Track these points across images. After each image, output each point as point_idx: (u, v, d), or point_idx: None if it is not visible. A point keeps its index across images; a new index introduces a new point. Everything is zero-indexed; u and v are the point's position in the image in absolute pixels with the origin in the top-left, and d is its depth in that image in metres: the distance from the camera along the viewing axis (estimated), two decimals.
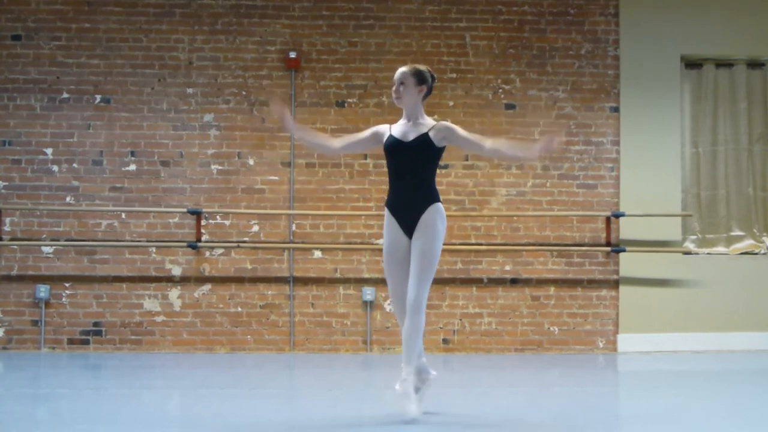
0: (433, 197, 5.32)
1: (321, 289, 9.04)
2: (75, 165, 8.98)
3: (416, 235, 5.27)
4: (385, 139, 5.40)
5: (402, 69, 5.41)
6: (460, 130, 5.40)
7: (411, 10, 9.24)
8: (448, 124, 5.46)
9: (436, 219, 5.29)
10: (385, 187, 9.04)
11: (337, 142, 5.60)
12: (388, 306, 9.01)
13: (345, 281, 9.05)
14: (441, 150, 5.38)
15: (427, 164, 5.35)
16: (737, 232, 9.53)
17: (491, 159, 9.14)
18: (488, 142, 5.47)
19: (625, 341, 9.14)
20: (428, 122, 5.43)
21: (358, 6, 9.22)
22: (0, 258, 8.90)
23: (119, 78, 9.06)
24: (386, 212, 5.38)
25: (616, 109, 9.30)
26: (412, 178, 5.31)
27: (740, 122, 9.55)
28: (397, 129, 5.41)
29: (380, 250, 8.94)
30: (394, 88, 5.38)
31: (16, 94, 8.99)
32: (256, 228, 9.04)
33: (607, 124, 9.31)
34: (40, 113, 8.99)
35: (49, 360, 8.33)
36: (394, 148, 5.34)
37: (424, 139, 5.32)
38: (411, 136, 5.34)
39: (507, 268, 9.14)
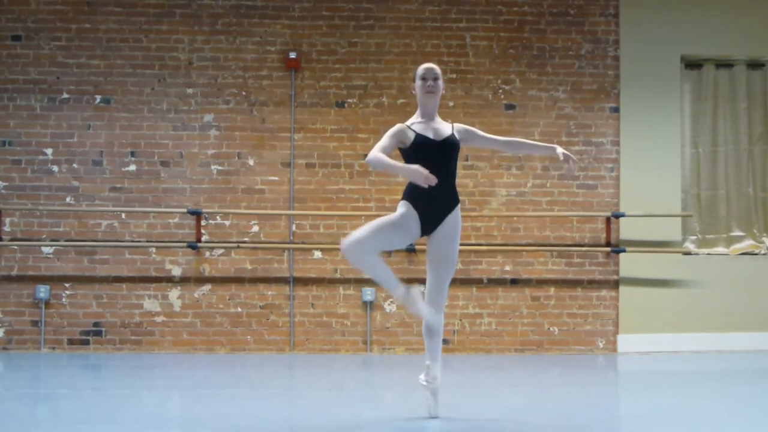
0: (457, 198, 5.34)
1: (321, 290, 9.04)
2: (75, 165, 8.98)
3: (440, 235, 5.26)
4: (410, 138, 5.28)
5: (433, 65, 5.42)
6: (478, 130, 5.53)
7: (411, 11, 9.24)
8: (465, 125, 5.52)
9: (459, 220, 5.34)
10: (386, 187, 9.11)
11: (376, 157, 5.29)
12: (388, 306, 9.01)
13: (345, 281, 9.05)
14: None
15: (455, 163, 5.36)
16: (737, 233, 9.53)
17: (491, 159, 9.16)
18: (503, 138, 5.66)
19: (625, 341, 9.14)
20: (444, 122, 5.44)
21: (358, 6, 9.22)
22: (0, 258, 8.90)
23: (119, 78, 9.06)
24: (405, 204, 5.24)
25: (616, 110, 9.30)
26: (444, 177, 5.23)
27: (740, 122, 9.56)
28: (419, 127, 5.33)
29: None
30: (428, 83, 5.34)
31: (16, 94, 8.99)
32: (256, 228, 9.04)
33: (607, 125, 9.31)
34: (40, 113, 8.99)
35: (49, 360, 8.33)
36: (425, 146, 5.24)
37: (452, 139, 5.33)
38: (438, 135, 5.31)
39: (507, 268, 9.14)
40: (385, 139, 5.27)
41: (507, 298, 9.13)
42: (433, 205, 5.25)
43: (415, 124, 5.37)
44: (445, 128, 5.38)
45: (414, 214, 5.23)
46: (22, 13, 9.03)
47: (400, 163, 5.16)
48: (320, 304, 9.02)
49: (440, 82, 5.41)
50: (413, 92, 5.47)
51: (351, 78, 9.18)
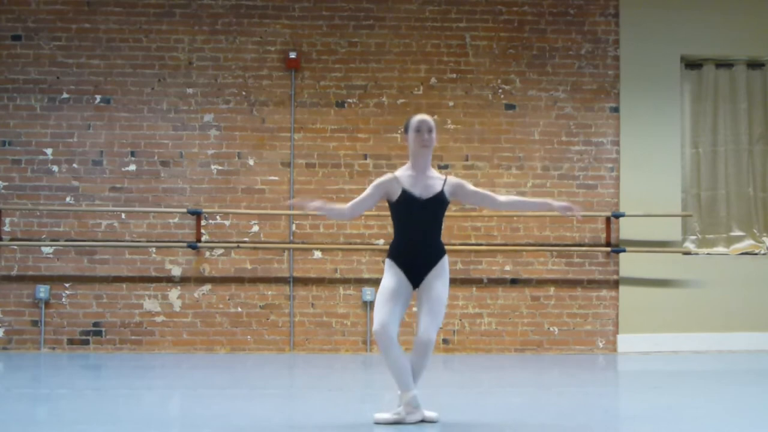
0: (442, 250, 5.28)
1: (321, 290, 9.04)
2: (75, 165, 8.98)
3: (430, 280, 5.22)
4: (396, 193, 5.23)
5: (427, 117, 5.31)
6: (469, 186, 5.37)
7: (411, 11, 9.24)
8: (458, 180, 5.37)
9: (446, 269, 5.28)
10: None
11: (348, 207, 5.38)
12: None
13: (345, 281, 9.05)
14: (448, 205, 5.36)
15: (440, 220, 5.29)
16: (737, 232, 9.53)
17: (491, 159, 9.18)
18: (501, 197, 5.44)
19: (625, 341, 9.14)
20: (437, 175, 5.33)
21: (358, 6, 9.22)
22: (0, 258, 8.90)
23: (119, 78, 9.06)
24: (389, 263, 5.25)
25: (616, 109, 9.30)
26: (426, 233, 5.23)
27: (740, 122, 9.56)
28: (407, 181, 5.26)
29: (380, 250, 9.00)
30: (423, 136, 5.23)
31: (16, 94, 8.99)
32: (256, 228, 9.04)
33: (607, 124, 9.31)
34: (40, 113, 8.99)
35: (49, 360, 8.33)
36: (410, 204, 5.21)
37: (439, 198, 5.25)
38: (425, 193, 5.24)
39: (507, 268, 9.14)
40: (368, 190, 5.29)
41: (507, 298, 9.13)
42: (415, 261, 5.23)
43: (404, 176, 5.28)
44: (436, 184, 5.27)
45: (399, 270, 5.22)
46: (22, 13, 9.03)
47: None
48: (320, 304, 9.02)
49: (434, 135, 5.29)
50: (405, 142, 5.37)
51: (351, 78, 9.18)
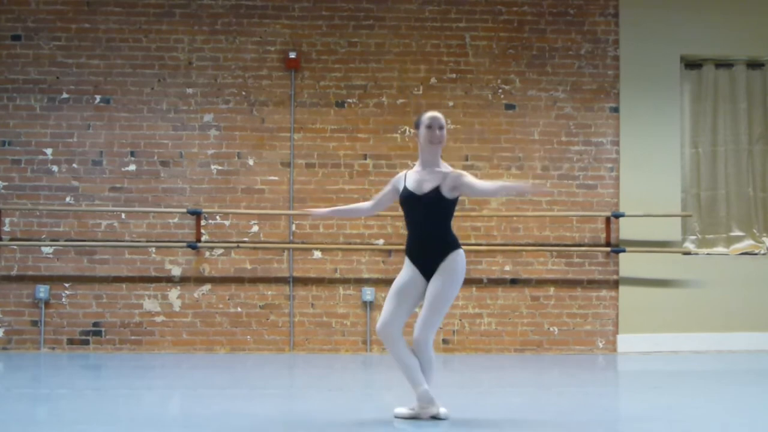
0: (448, 247, 5.29)
1: (321, 290, 9.04)
2: (75, 165, 8.98)
3: (435, 277, 5.28)
4: (400, 189, 5.41)
5: (439, 114, 5.40)
6: (466, 178, 5.32)
7: (411, 11, 9.24)
8: (459, 172, 5.35)
9: (457, 266, 5.28)
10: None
11: (368, 204, 5.74)
12: None
13: (345, 281, 9.05)
14: (454, 201, 5.34)
15: (442, 215, 5.32)
16: (737, 233, 9.53)
17: (491, 159, 9.19)
18: (483, 186, 5.44)
19: (625, 341, 9.14)
20: (444, 170, 5.35)
21: (358, 6, 9.22)
22: (0, 258, 8.90)
23: (119, 78, 9.06)
24: (406, 258, 5.38)
25: (616, 109, 9.30)
26: (427, 229, 5.30)
27: (740, 122, 9.56)
28: (411, 177, 5.39)
29: (380, 250, 9.00)
30: (435, 133, 5.32)
31: (16, 94, 8.99)
32: (255, 228, 9.04)
33: (607, 124, 9.31)
34: (40, 113, 8.99)
35: (49, 360, 8.33)
36: (408, 201, 5.35)
37: (435, 193, 5.27)
38: (422, 189, 5.31)
39: (507, 268, 9.14)
40: (385, 187, 5.57)
41: (507, 298, 9.13)
42: (421, 257, 5.31)
43: (411, 173, 5.43)
44: (435, 179, 5.30)
45: (412, 266, 5.34)
46: (22, 13, 9.03)
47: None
48: (320, 304, 9.02)
49: (445, 132, 5.39)
50: (417, 138, 5.46)
51: (351, 78, 9.18)
